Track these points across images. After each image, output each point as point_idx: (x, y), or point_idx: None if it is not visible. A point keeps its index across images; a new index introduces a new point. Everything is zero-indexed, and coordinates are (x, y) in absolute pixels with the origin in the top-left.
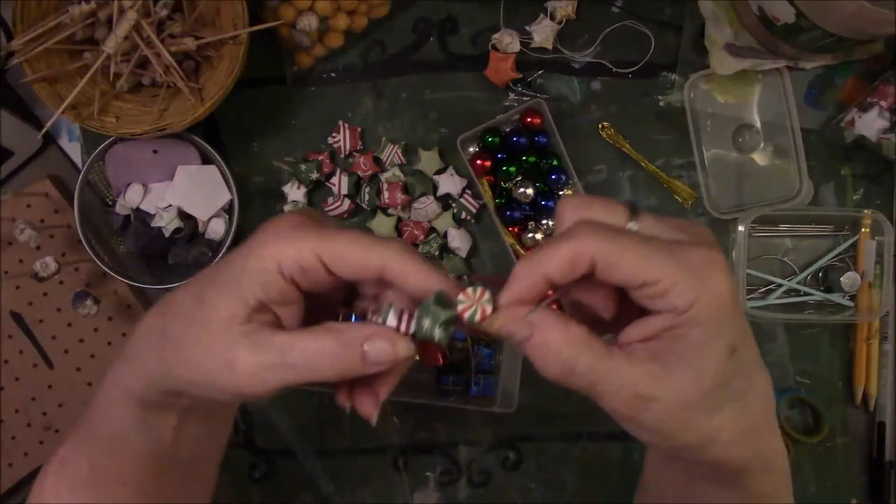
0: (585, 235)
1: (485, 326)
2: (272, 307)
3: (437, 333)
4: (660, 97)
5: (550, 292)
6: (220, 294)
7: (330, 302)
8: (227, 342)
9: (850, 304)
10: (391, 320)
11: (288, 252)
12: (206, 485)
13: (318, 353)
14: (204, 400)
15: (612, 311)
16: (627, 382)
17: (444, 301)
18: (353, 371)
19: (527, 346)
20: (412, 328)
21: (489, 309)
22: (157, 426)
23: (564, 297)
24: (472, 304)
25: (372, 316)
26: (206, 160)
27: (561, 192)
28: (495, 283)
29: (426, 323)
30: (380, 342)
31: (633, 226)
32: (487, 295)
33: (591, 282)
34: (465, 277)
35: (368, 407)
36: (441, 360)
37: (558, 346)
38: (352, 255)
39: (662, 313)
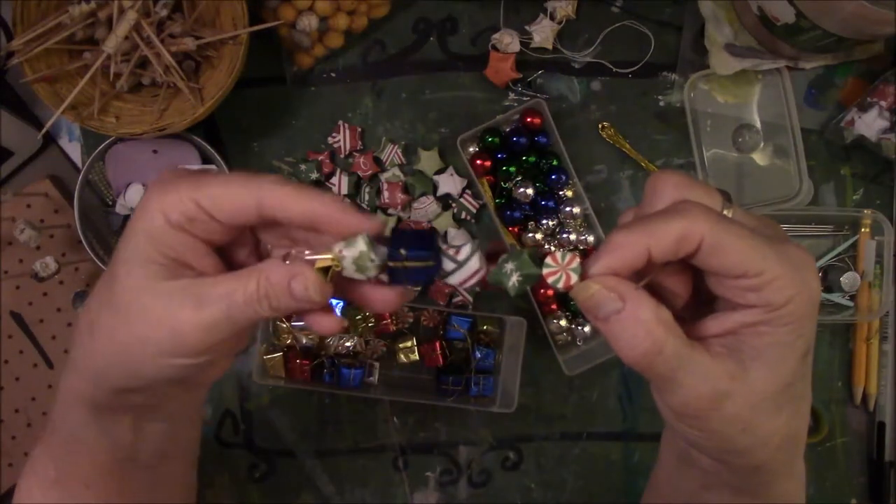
0: (698, 215)
1: (573, 293)
2: (188, 263)
3: (514, 281)
4: (660, 97)
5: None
6: (129, 269)
7: (245, 260)
8: (162, 306)
9: (850, 304)
10: (465, 253)
11: (169, 201)
12: (180, 485)
13: (255, 294)
14: (154, 381)
15: (684, 298)
16: (708, 375)
17: (535, 258)
18: (286, 308)
19: (613, 321)
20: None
21: (574, 277)
22: (112, 428)
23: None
24: (559, 270)
25: (449, 250)
26: (206, 160)
27: (561, 192)
28: (501, 249)
29: (509, 266)
30: (302, 281)
31: (728, 213)
32: (576, 263)
33: (674, 265)
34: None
35: (383, 294)
36: (441, 360)
37: (652, 325)
38: (226, 196)
39: (747, 309)
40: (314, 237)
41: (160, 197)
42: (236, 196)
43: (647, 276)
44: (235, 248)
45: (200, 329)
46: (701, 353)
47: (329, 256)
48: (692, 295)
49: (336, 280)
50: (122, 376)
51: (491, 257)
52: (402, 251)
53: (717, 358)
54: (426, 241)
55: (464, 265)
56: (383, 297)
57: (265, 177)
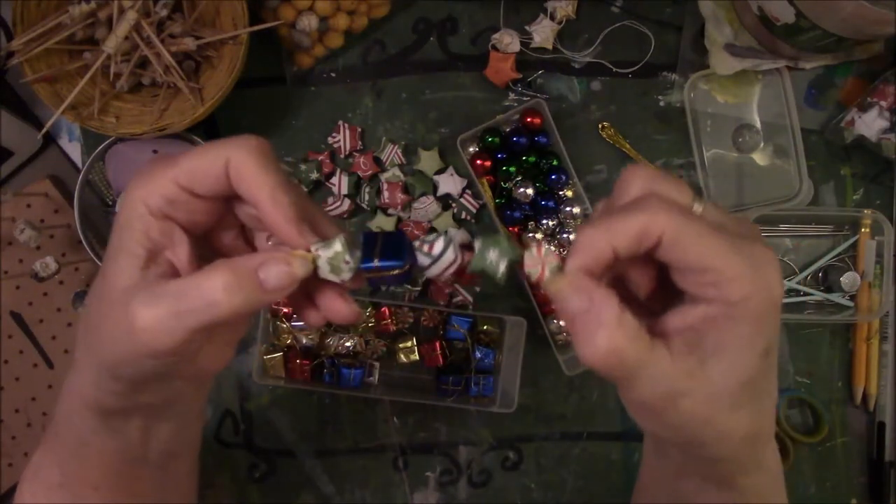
0: (658, 209)
1: (544, 285)
2: (163, 254)
3: (503, 269)
4: (660, 97)
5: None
6: (114, 262)
7: (230, 248)
8: (123, 305)
9: (850, 304)
10: (438, 247)
11: (149, 188)
12: (185, 484)
13: (213, 289)
14: (141, 381)
15: (648, 291)
16: (666, 376)
17: (511, 241)
18: (256, 301)
19: (578, 321)
20: (452, 257)
21: (547, 273)
22: (121, 430)
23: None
24: (538, 262)
25: (423, 246)
26: None
27: (561, 192)
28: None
29: (492, 255)
30: (274, 267)
31: (697, 208)
32: (555, 263)
33: (638, 258)
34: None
35: (340, 307)
36: (441, 360)
37: (613, 329)
38: (200, 166)
39: (708, 303)
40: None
41: (140, 186)
42: (209, 163)
43: (613, 270)
44: (220, 231)
45: (151, 329)
46: (660, 354)
47: (305, 254)
48: (660, 286)
49: (303, 283)
50: (115, 375)
51: (467, 247)
52: (375, 261)
53: (676, 356)
54: (396, 246)
55: (439, 259)
56: (339, 309)
57: (237, 140)
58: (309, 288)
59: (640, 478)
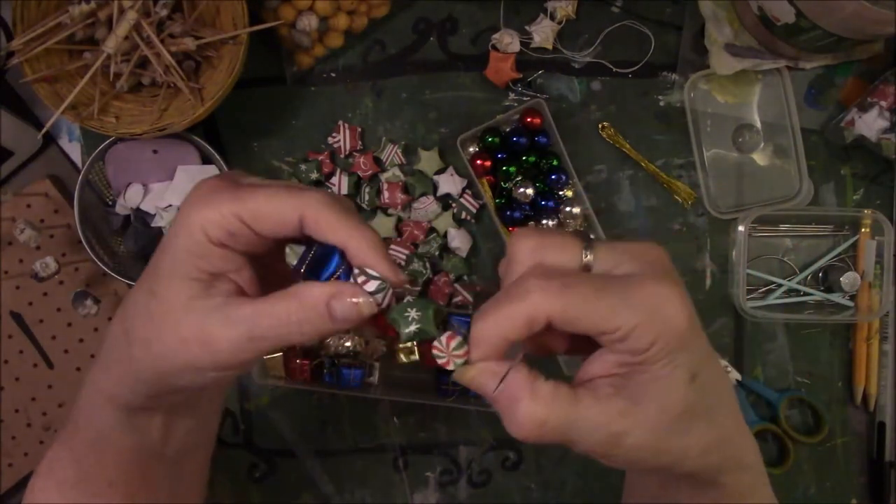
0: (537, 294)
1: (456, 378)
2: (226, 275)
3: (412, 329)
4: (660, 97)
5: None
6: (168, 283)
7: (285, 269)
8: (196, 324)
9: (850, 304)
10: (371, 287)
11: (210, 217)
12: (198, 481)
13: (287, 318)
14: (188, 388)
15: (564, 347)
16: (599, 424)
17: (439, 317)
18: (325, 331)
19: (498, 402)
20: (384, 301)
21: (453, 365)
22: (143, 426)
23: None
24: (445, 355)
25: (359, 277)
26: (206, 160)
27: (561, 192)
28: (485, 294)
29: (412, 314)
30: (345, 301)
31: (588, 258)
32: (461, 359)
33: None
34: (456, 288)
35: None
36: None
37: (528, 401)
38: (269, 211)
39: (620, 353)
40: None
41: (200, 212)
42: (279, 212)
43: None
44: (277, 253)
45: (226, 349)
46: (587, 406)
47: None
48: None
49: None
50: (158, 383)
51: (398, 298)
52: (302, 270)
53: (604, 401)
54: (325, 261)
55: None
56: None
57: (310, 193)
58: None
59: (626, 487)
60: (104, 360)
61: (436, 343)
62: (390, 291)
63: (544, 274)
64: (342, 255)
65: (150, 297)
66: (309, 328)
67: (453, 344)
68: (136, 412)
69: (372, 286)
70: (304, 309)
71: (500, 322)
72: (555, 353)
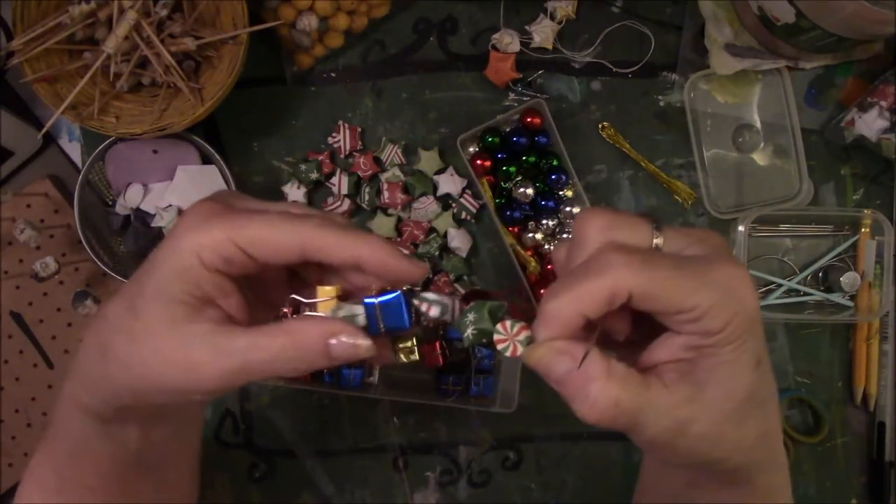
0: (621, 268)
1: (523, 360)
2: (214, 302)
3: (469, 333)
4: (660, 97)
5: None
6: (153, 305)
7: (276, 283)
8: (180, 349)
9: (850, 304)
10: (434, 312)
11: (205, 243)
12: (183, 488)
13: (280, 355)
14: (166, 406)
15: (626, 333)
16: (667, 410)
17: (495, 314)
18: (317, 366)
19: (567, 383)
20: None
21: (520, 348)
22: (119, 436)
23: None
24: (508, 339)
25: (421, 305)
26: (206, 160)
27: (561, 192)
28: (494, 297)
29: (470, 317)
30: (343, 342)
31: (658, 241)
32: (524, 335)
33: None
34: (457, 287)
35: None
36: (441, 360)
37: (604, 380)
38: (267, 238)
39: (690, 334)
40: (358, 276)
41: (195, 236)
42: (278, 239)
43: (594, 329)
44: (268, 274)
45: (214, 378)
46: (656, 390)
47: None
48: (639, 319)
49: None
50: (135, 399)
51: (468, 299)
52: (381, 328)
53: (671, 386)
54: (397, 312)
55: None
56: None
57: (308, 218)
58: None
59: (643, 488)
60: (79, 372)
61: (496, 336)
62: (457, 304)
63: (624, 249)
64: (403, 292)
65: (132, 317)
66: (304, 365)
67: (509, 325)
68: (110, 422)
69: (436, 311)
70: (301, 347)
71: (580, 297)
72: (615, 337)
